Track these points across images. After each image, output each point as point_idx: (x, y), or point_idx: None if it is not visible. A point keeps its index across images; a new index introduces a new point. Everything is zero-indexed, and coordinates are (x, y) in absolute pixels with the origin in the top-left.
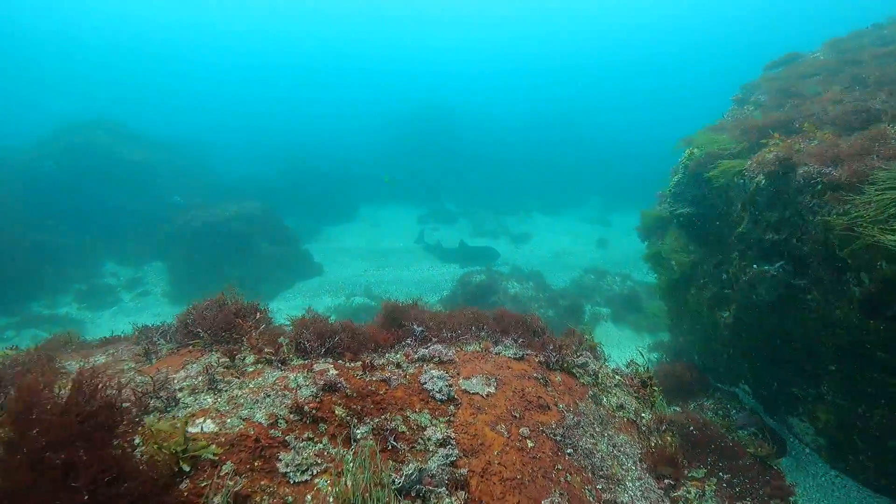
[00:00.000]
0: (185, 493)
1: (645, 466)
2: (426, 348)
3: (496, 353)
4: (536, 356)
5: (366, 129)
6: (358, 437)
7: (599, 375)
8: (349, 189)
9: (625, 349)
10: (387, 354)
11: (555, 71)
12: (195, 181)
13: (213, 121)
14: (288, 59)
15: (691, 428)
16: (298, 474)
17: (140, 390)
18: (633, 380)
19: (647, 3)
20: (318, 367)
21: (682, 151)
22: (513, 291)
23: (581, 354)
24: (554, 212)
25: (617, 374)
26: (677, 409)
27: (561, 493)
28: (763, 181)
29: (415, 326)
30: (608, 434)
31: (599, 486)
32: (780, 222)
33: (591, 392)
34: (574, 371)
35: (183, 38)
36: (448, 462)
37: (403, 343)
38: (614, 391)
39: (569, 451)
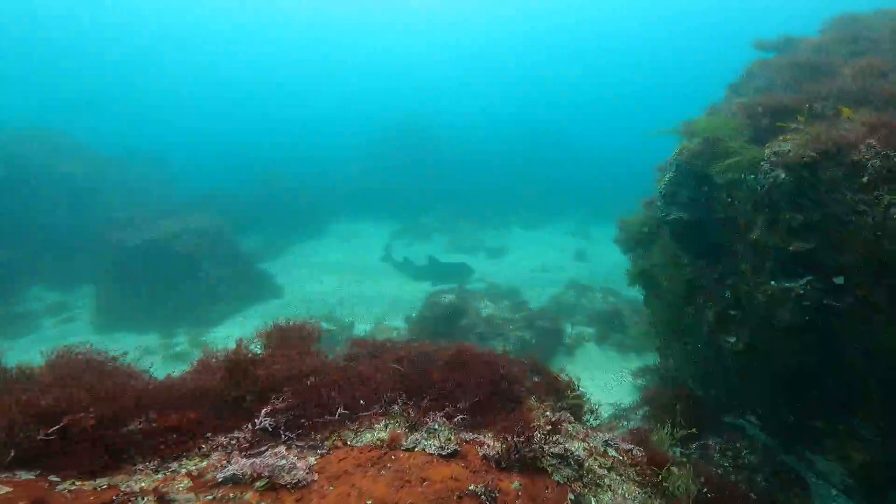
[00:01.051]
0: None
1: None
2: (255, 457)
3: (409, 449)
4: (481, 446)
5: (340, 144)
6: None
7: (586, 464)
8: (320, 204)
9: (609, 372)
10: (160, 469)
11: (534, 82)
12: (147, 196)
13: (179, 135)
14: (259, 74)
15: (706, 490)
16: None
17: None
18: (635, 456)
19: (625, 11)
20: None
21: (667, 144)
22: (486, 313)
23: (559, 432)
24: (533, 225)
25: (610, 446)
26: (677, 452)
27: None
28: (784, 176)
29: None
30: None
31: None
32: (807, 227)
33: (572, 496)
34: (546, 466)
35: (149, 47)
36: None
37: (230, 438)
38: (608, 482)
39: None
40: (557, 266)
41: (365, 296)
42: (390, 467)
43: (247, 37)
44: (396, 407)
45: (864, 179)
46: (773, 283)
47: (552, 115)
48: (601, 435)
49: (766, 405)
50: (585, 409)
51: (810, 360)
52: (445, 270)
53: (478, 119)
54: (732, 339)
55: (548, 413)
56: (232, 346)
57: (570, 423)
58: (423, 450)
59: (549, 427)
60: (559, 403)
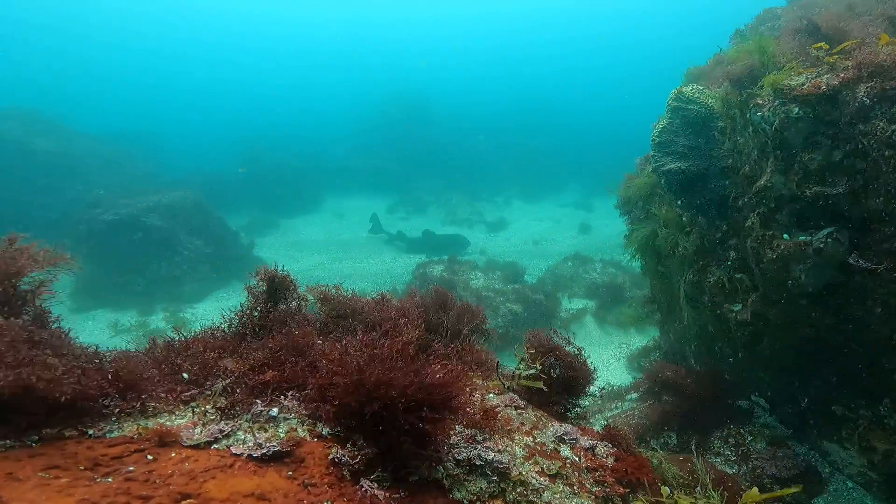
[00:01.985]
0: None
1: None
2: None
3: (195, 446)
4: (329, 447)
5: (336, 120)
6: None
7: (514, 472)
8: (314, 180)
9: (607, 348)
10: None
11: (533, 53)
12: (131, 175)
13: (173, 114)
14: (252, 49)
15: None
16: None
17: None
18: (597, 458)
19: None
20: None
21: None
22: (476, 285)
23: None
24: (533, 198)
25: (564, 443)
26: (668, 449)
27: None
28: (797, 110)
29: None
30: None
31: None
32: (827, 169)
33: None
34: (442, 478)
35: (140, 24)
36: None
37: None
38: (546, 497)
39: None
40: (557, 238)
41: (355, 270)
42: (127, 474)
43: (238, 18)
44: (221, 383)
45: None
46: (786, 236)
47: (553, 85)
48: (554, 427)
49: (776, 386)
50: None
51: (829, 333)
52: (441, 243)
53: (476, 92)
54: (737, 308)
55: (491, 396)
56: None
57: (517, 408)
58: (228, 448)
59: (478, 416)
60: (509, 384)
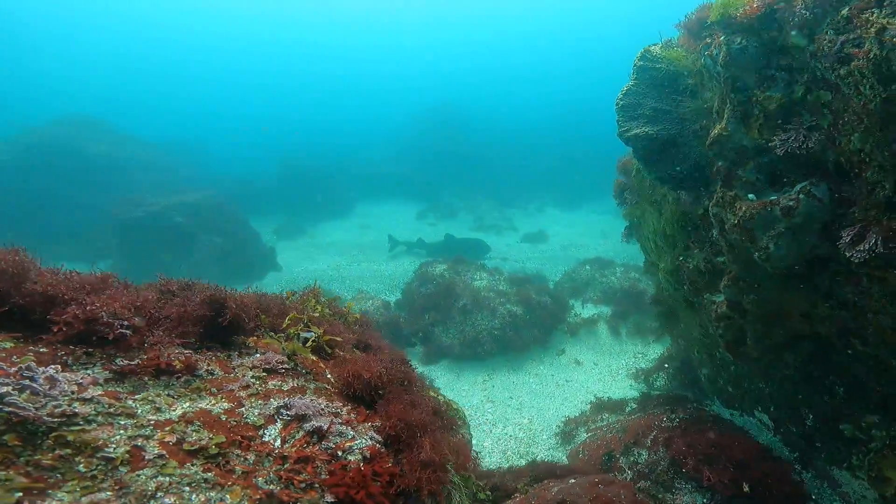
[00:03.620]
0: None
1: None
2: None
3: None
4: None
5: (371, 127)
6: None
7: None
8: (347, 187)
9: (620, 357)
10: None
11: (573, 62)
12: (175, 176)
13: (222, 122)
14: (293, 62)
15: None
16: None
17: None
18: (320, 453)
19: None
20: None
21: None
22: (478, 285)
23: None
24: (569, 206)
25: (281, 417)
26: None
27: None
28: (740, 40)
29: None
30: None
31: None
32: (790, 108)
33: None
34: None
35: (190, 41)
36: None
37: None
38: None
39: None
40: (582, 244)
41: (369, 272)
42: None
43: (285, 29)
44: None
45: (845, 12)
46: (751, 196)
47: (594, 94)
48: (296, 401)
49: (777, 399)
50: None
51: (826, 327)
52: (461, 247)
53: (514, 101)
54: (719, 299)
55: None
56: None
57: (272, 371)
58: None
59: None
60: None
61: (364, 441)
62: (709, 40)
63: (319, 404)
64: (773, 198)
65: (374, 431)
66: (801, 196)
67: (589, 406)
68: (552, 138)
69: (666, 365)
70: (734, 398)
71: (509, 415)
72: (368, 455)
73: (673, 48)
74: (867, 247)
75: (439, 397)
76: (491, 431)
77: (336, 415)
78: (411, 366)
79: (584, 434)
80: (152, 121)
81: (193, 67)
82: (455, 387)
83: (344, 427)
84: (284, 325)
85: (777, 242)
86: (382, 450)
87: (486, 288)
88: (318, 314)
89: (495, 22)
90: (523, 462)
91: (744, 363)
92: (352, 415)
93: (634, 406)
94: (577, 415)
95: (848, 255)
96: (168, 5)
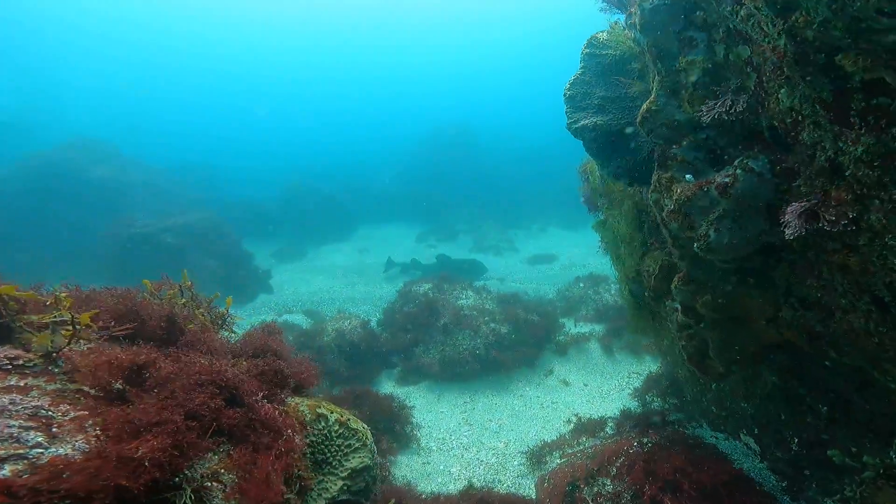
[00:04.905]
0: None
1: None
2: None
3: None
4: None
5: (376, 148)
6: None
7: None
8: (350, 209)
9: (612, 377)
10: None
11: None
12: (178, 199)
13: (229, 146)
14: (300, 85)
15: None
16: None
17: None
18: None
19: None
20: None
21: None
22: (463, 303)
23: None
24: (572, 225)
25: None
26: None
27: None
28: (651, 0)
29: None
30: None
31: None
32: (715, 72)
33: None
34: None
35: (200, 66)
36: None
37: None
38: None
39: None
40: (584, 263)
41: (361, 294)
42: None
43: (291, 52)
44: None
45: None
46: (688, 177)
47: None
48: None
49: (761, 420)
50: None
51: (795, 333)
52: (456, 268)
53: (518, 120)
54: (678, 306)
55: None
56: None
57: None
58: None
59: None
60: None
61: (60, 450)
62: (633, 9)
63: (19, 405)
64: (711, 175)
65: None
66: (738, 171)
67: (569, 429)
68: (556, 158)
69: (663, 384)
70: (719, 419)
71: (486, 438)
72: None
73: (619, 32)
74: (801, 224)
75: (327, 412)
76: (462, 456)
77: (42, 419)
78: (283, 370)
79: (558, 460)
80: (164, 145)
81: (205, 93)
82: (434, 409)
83: (31, 434)
84: (43, 318)
85: (717, 228)
86: (77, 458)
87: (471, 307)
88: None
89: (500, 44)
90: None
91: (712, 380)
92: (78, 420)
93: (612, 428)
94: (556, 438)
95: (786, 235)
96: (182, 33)
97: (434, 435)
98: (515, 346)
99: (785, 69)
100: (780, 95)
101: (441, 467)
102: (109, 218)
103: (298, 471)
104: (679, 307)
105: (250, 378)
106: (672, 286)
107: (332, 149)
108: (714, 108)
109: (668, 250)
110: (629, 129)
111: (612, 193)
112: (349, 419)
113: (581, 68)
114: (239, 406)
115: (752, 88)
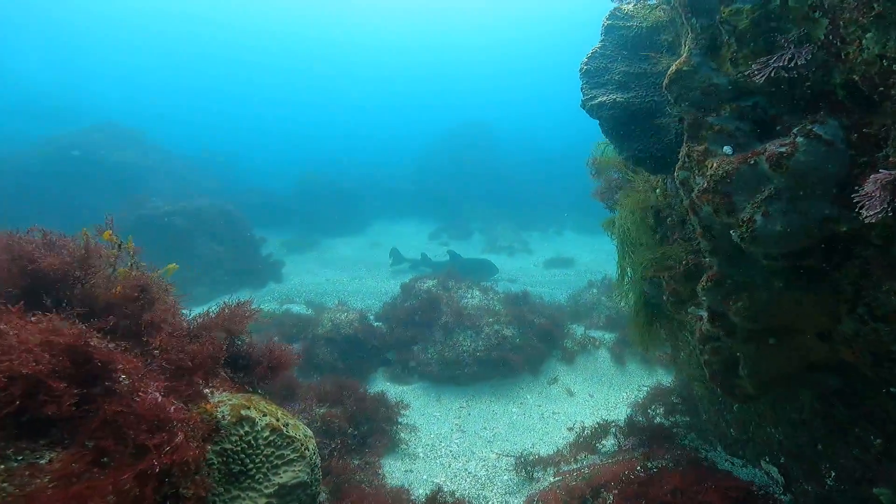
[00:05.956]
0: None
1: None
2: None
3: None
4: None
5: (395, 146)
6: None
7: None
8: (366, 204)
9: (621, 389)
10: None
11: None
12: (194, 186)
13: (252, 136)
14: (322, 79)
15: None
16: None
17: None
18: None
19: None
20: None
21: None
22: (468, 303)
23: None
24: (589, 230)
25: None
26: None
27: None
28: None
29: None
30: None
31: None
32: (768, 22)
33: None
34: None
35: (226, 56)
36: None
37: None
38: None
39: None
40: (600, 270)
41: (367, 288)
42: None
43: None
44: None
45: None
46: (727, 149)
47: None
48: None
49: (791, 448)
50: None
51: (854, 352)
52: (467, 267)
53: (535, 122)
54: (704, 314)
55: None
56: None
57: None
58: None
59: None
60: None
61: None
62: None
63: None
64: (765, 145)
65: None
66: (799, 139)
67: (567, 443)
68: (574, 159)
69: (672, 398)
70: (737, 443)
71: (477, 448)
72: None
73: (650, 4)
74: (886, 199)
75: (256, 414)
76: (449, 465)
77: None
78: (215, 355)
79: (551, 478)
80: (189, 133)
81: (232, 84)
82: (427, 411)
83: None
84: None
85: (766, 212)
86: None
87: (476, 306)
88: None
89: (522, 44)
90: None
91: (738, 402)
92: None
93: (614, 444)
94: (552, 453)
95: (863, 218)
96: (211, 25)
97: (423, 440)
98: (519, 351)
99: (875, 5)
100: (863, 41)
101: (424, 476)
102: (124, 201)
103: (187, 489)
104: (706, 314)
105: (151, 363)
106: (699, 288)
107: (350, 143)
108: (768, 66)
109: (693, 245)
110: (658, 108)
111: (628, 183)
112: (287, 424)
113: (601, 41)
114: (103, 393)
115: (822, 38)
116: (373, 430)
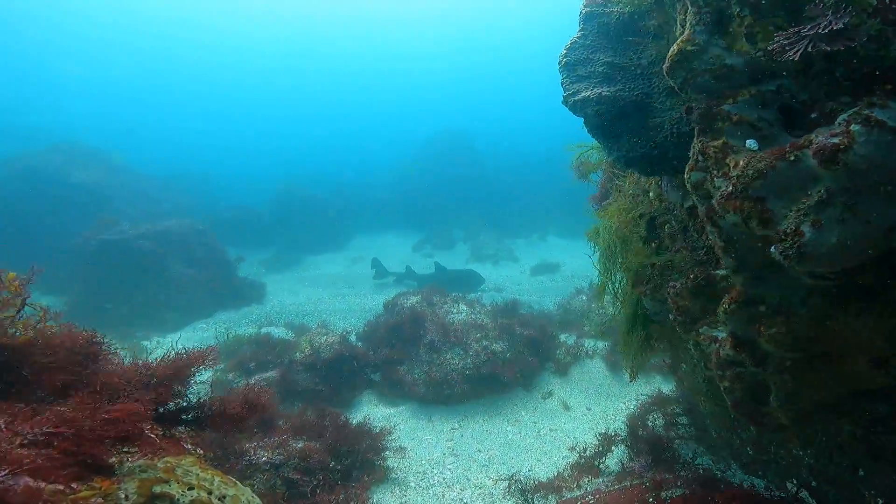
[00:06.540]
0: None
1: None
2: None
3: None
4: None
5: (374, 158)
6: None
7: None
8: (347, 218)
9: (618, 400)
10: None
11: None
12: (162, 206)
13: (224, 154)
14: (296, 89)
15: None
16: None
17: None
18: None
19: None
20: None
21: None
22: (455, 318)
23: None
24: (574, 234)
25: None
26: None
27: None
28: None
29: None
30: None
31: None
32: None
33: None
34: None
35: (195, 72)
36: None
37: None
38: None
39: None
40: (584, 274)
41: (349, 306)
42: None
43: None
44: None
45: None
46: (750, 143)
47: None
48: None
49: (825, 472)
50: None
51: None
52: (452, 279)
53: (515, 127)
54: (720, 335)
55: None
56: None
57: None
58: None
59: None
60: None
61: None
62: None
63: None
64: (815, 135)
65: None
66: (856, 127)
67: (568, 464)
68: (556, 163)
69: (674, 408)
70: (756, 463)
71: (472, 473)
72: None
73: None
74: None
75: (179, 491)
76: (443, 495)
77: None
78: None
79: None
80: (160, 152)
81: (200, 99)
82: (416, 435)
83: None
84: None
85: (817, 221)
86: None
87: (463, 321)
88: None
89: (500, 49)
90: None
91: (768, 432)
92: None
93: (618, 463)
94: (553, 476)
95: None
96: (177, 38)
97: (413, 467)
98: (511, 366)
99: None
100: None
101: None
102: (87, 224)
103: None
104: (728, 338)
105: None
106: (720, 311)
107: (328, 157)
108: (799, 37)
109: (700, 255)
110: (648, 101)
111: (616, 188)
112: (224, 497)
113: (580, 30)
114: None
115: (874, 3)
116: (357, 461)
